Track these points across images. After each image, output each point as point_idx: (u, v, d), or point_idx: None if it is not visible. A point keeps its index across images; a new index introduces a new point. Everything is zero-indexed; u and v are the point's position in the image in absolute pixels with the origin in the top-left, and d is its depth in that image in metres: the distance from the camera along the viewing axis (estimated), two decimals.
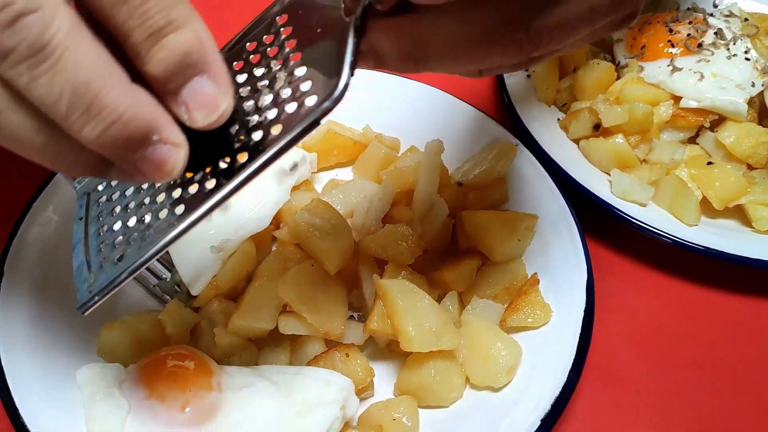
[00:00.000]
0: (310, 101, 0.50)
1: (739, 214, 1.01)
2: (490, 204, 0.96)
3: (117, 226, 0.57)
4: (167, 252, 0.89)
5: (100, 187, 0.62)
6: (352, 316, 0.87)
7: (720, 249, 0.93)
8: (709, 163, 1.02)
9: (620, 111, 1.01)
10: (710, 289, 0.98)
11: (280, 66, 0.54)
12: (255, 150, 0.51)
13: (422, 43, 0.55)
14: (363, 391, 0.81)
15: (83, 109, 0.43)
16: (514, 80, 1.12)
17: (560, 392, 0.76)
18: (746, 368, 0.91)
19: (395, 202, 0.94)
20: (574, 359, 0.79)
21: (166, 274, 0.91)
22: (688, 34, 1.11)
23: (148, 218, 0.55)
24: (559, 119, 1.12)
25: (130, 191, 0.59)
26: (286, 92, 0.52)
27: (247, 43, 0.58)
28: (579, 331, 0.81)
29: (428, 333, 0.78)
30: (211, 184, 0.51)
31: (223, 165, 0.52)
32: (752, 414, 0.87)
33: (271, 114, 0.51)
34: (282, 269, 0.84)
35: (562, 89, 1.15)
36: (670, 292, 0.98)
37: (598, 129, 1.05)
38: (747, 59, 1.09)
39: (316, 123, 0.49)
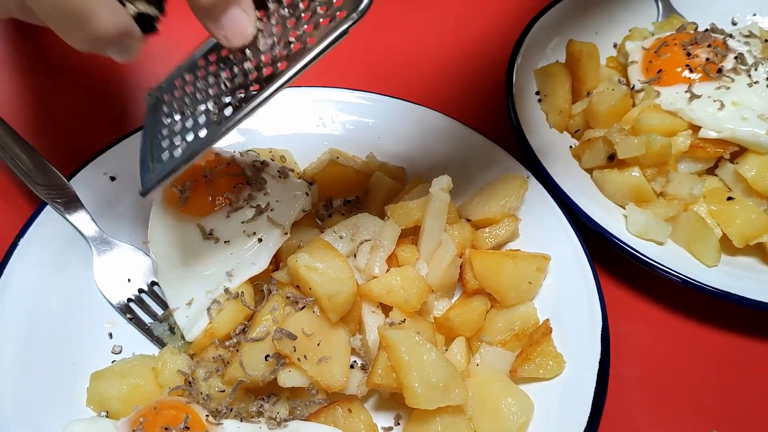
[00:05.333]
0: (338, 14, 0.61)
1: (761, 252, 0.96)
2: (500, 242, 0.92)
3: (176, 127, 0.72)
4: (162, 293, 0.86)
5: (166, 97, 0.75)
6: (355, 362, 0.83)
7: (738, 293, 0.88)
8: (730, 198, 0.97)
9: (637, 143, 0.96)
10: (733, 333, 0.93)
11: None
12: (292, 59, 0.64)
13: None
14: None
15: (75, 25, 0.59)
16: (524, 105, 1.08)
17: None
18: None
19: (401, 238, 0.89)
20: (589, 417, 0.75)
21: (160, 312, 0.87)
22: (707, 59, 1.06)
23: (201, 120, 0.69)
24: (571, 147, 1.07)
25: (189, 100, 0.72)
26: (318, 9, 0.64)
27: None
28: (594, 386, 0.77)
29: (435, 388, 0.74)
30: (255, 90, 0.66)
31: (264, 74, 0.66)
32: None
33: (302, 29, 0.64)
34: (281, 316, 0.80)
35: (574, 115, 1.10)
36: (690, 336, 0.93)
37: (612, 160, 1.00)
38: None
39: (344, 33, 0.61)
